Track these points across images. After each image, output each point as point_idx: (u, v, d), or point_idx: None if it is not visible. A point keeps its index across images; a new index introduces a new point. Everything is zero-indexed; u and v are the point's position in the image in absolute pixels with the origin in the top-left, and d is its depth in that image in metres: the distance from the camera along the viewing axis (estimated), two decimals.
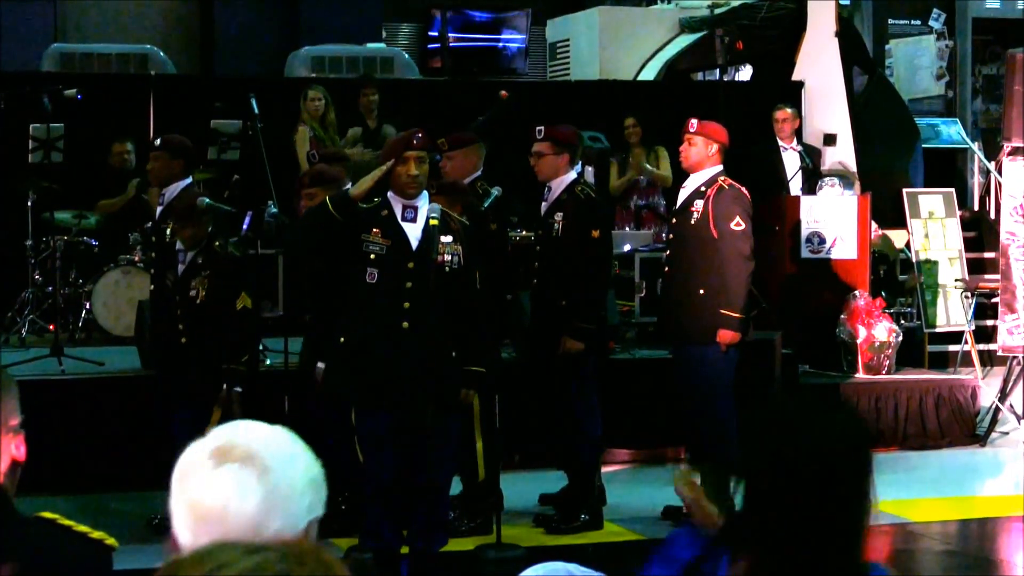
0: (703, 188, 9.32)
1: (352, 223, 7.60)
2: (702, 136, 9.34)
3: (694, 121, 9.39)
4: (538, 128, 9.38)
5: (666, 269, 9.75)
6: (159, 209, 9.71)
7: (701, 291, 9.22)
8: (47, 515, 2.86)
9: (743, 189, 9.33)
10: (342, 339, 7.68)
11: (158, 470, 9.81)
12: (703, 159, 9.35)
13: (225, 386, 8.57)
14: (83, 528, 2.87)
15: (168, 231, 9.21)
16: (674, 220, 9.69)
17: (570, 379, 9.18)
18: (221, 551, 1.90)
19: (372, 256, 7.59)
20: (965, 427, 12.15)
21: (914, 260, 13.75)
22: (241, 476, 2.33)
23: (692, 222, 9.32)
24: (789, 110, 14.03)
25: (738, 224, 9.19)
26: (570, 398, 9.21)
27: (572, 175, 9.33)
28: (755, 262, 9.30)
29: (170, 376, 9.04)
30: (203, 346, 8.66)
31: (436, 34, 19.81)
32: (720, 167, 9.37)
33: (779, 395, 3.27)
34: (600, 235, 9.17)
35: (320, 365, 8.38)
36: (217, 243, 8.88)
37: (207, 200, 9.69)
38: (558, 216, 9.20)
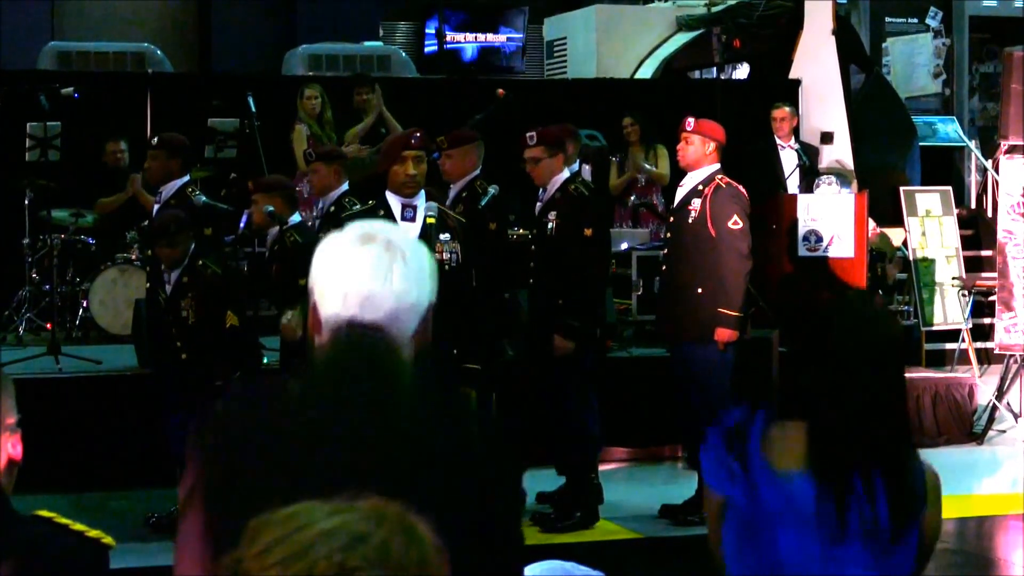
0: (700, 187, 9.32)
1: None
2: (699, 135, 9.33)
3: (691, 120, 9.39)
4: (528, 134, 9.35)
5: (663, 268, 9.75)
6: (156, 207, 9.71)
7: (699, 289, 9.22)
8: (44, 514, 2.87)
9: (740, 188, 9.33)
10: None
11: (155, 469, 9.76)
12: (700, 158, 9.35)
13: None
14: (80, 527, 2.87)
15: None
16: (672, 219, 9.69)
17: (567, 377, 9.18)
18: (306, 511, 1.97)
19: None
20: (962, 425, 12.16)
21: (911, 258, 13.75)
22: (386, 255, 2.71)
23: (690, 221, 9.32)
24: (787, 109, 14.03)
25: (736, 223, 9.19)
26: (567, 396, 9.21)
27: (566, 173, 9.33)
28: (752, 260, 9.31)
29: (168, 384, 9.06)
30: (202, 362, 8.74)
31: (433, 32, 19.80)
32: (717, 165, 9.36)
33: (838, 298, 3.74)
34: (593, 233, 9.14)
35: (288, 314, 8.44)
36: (200, 262, 8.89)
37: (203, 198, 9.69)
38: (552, 215, 9.20)
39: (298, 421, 2.67)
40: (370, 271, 2.71)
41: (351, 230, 2.79)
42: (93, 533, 2.88)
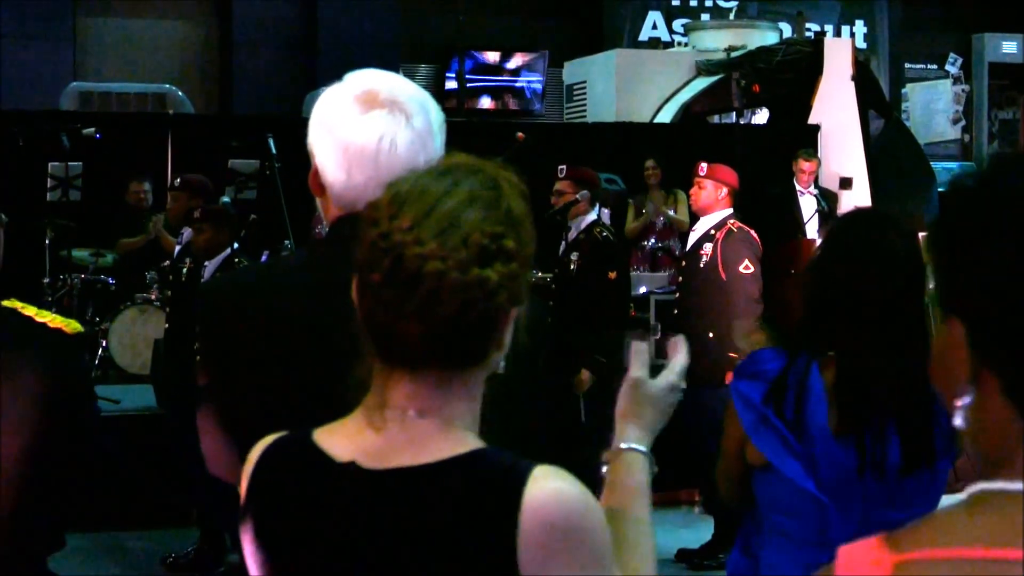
0: (712, 231, 9.34)
1: None
2: (711, 179, 9.36)
3: (704, 164, 9.42)
4: (560, 167, 9.48)
5: (675, 311, 9.78)
6: (177, 248, 9.74)
7: (710, 334, 9.22)
8: (7, 304, 2.87)
9: (752, 232, 9.35)
10: None
11: (173, 509, 9.78)
12: (712, 202, 9.37)
13: None
14: (46, 316, 2.88)
15: (186, 270, 9.24)
16: (684, 263, 9.73)
17: (587, 420, 9.22)
18: (429, 182, 2.03)
19: None
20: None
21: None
22: (391, 120, 2.60)
23: (701, 265, 9.34)
24: (814, 160, 13.98)
25: (747, 267, 9.20)
26: (583, 440, 9.22)
27: (592, 216, 9.45)
28: (763, 305, 9.31)
29: (186, 424, 9.03)
30: None
31: (454, 75, 19.90)
32: (730, 210, 9.38)
33: (850, 223, 3.73)
34: (616, 277, 9.25)
35: None
36: (237, 259, 8.96)
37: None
38: (574, 256, 9.27)
39: (297, 282, 2.64)
40: (375, 140, 2.60)
41: (347, 90, 2.69)
42: (57, 322, 2.90)
